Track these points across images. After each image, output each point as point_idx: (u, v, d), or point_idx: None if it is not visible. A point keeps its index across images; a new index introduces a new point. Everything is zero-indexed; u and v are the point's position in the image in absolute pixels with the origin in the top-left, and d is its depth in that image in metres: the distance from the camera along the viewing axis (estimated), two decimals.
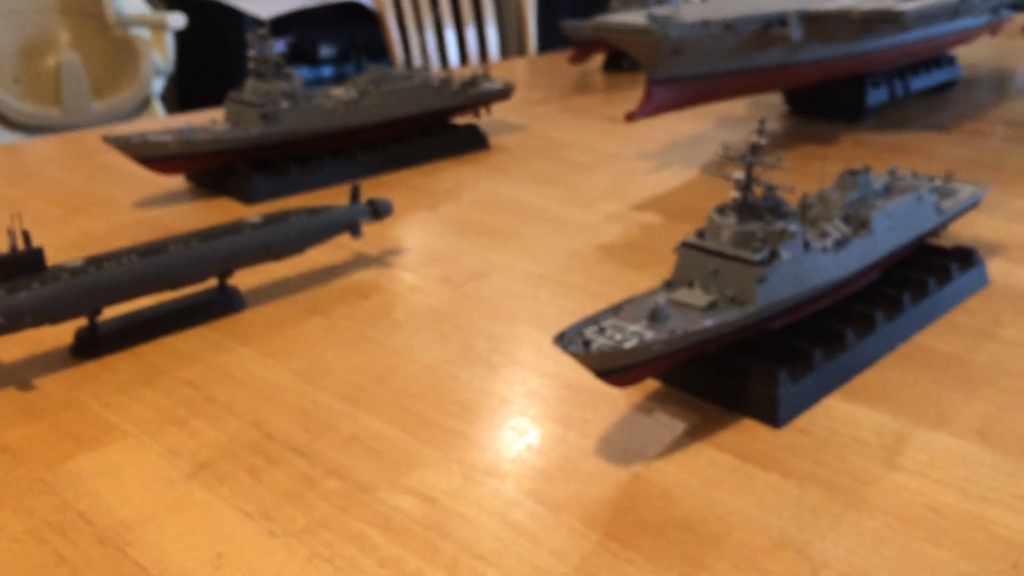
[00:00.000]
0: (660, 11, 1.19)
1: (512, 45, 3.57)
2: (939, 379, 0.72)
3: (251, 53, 1.13)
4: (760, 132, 0.69)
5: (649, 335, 0.62)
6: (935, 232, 0.88)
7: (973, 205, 0.93)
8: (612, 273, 0.93)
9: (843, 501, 0.58)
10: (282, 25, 3.33)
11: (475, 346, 0.78)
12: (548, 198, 1.15)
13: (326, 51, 3.54)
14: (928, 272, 0.85)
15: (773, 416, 0.66)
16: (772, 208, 0.70)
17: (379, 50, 3.40)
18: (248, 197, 1.10)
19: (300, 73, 3.54)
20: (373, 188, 1.18)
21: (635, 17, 1.16)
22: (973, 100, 1.68)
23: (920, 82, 1.62)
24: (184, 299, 0.81)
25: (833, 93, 1.49)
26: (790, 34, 1.25)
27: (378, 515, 0.56)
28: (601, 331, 0.63)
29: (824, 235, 0.75)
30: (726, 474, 0.60)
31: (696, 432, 0.65)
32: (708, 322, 0.64)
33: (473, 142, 1.34)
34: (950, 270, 0.86)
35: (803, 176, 1.21)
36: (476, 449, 0.63)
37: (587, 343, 0.60)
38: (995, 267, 0.92)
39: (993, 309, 0.84)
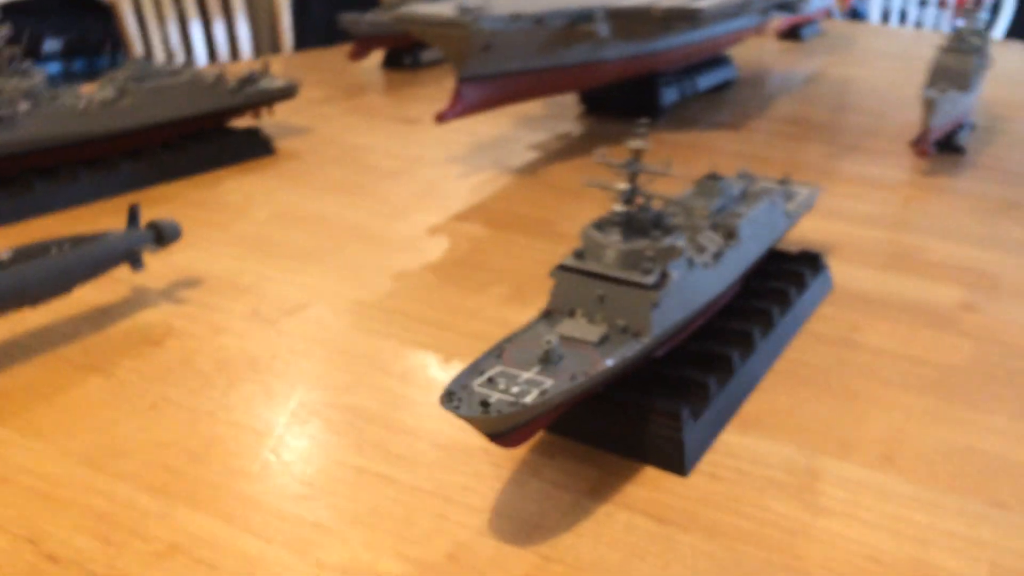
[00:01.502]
0: (470, 2, 1.08)
1: (265, 41, 3.34)
2: (824, 399, 0.68)
3: None
4: (643, 136, 0.61)
5: (548, 384, 0.52)
6: (784, 235, 0.85)
7: (811, 206, 0.90)
8: (452, 297, 0.81)
9: (781, 562, 0.50)
10: None
11: (310, 401, 0.63)
12: (358, 210, 1.02)
13: (51, 45, 3.13)
14: (785, 280, 0.80)
15: (680, 462, 0.58)
16: (655, 222, 0.62)
17: (114, 45, 3.05)
18: None
19: None
20: (143, 203, 0.97)
21: (443, 8, 1.05)
22: (747, 99, 1.73)
23: (705, 81, 1.64)
24: None
25: (629, 94, 1.46)
26: (597, 29, 1.19)
27: None
28: (491, 383, 0.51)
29: (701, 248, 0.68)
30: (647, 542, 0.51)
31: (599, 491, 0.55)
32: (608, 361, 0.55)
33: (255, 147, 1.18)
34: (803, 276, 0.82)
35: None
36: (339, 545, 0.50)
37: (484, 402, 0.49)
38: (832, 268, 0.90)
39: (846, 315, 0.82)
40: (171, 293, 0.78)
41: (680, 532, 0.52)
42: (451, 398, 0.49)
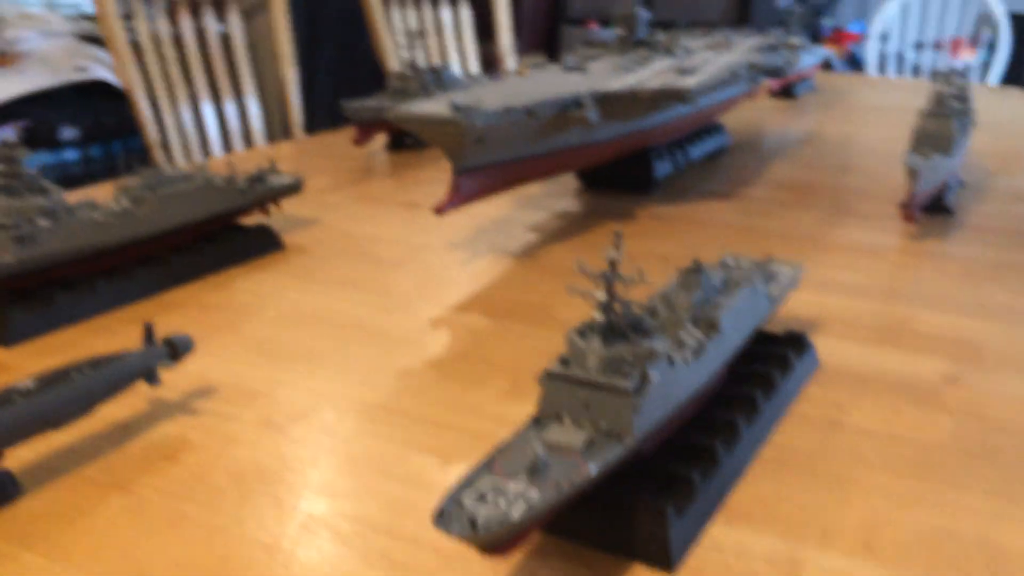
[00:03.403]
0: (461, 98, 1.14)
1: (276, 122, 3.44)
2: (808, 485, 0.71)
3: None
4: (616, 245, 0.65)
5: (534, 495, 0.55)
6: (768, 318, 0.88)
7: (794, 286, 0.94)
8: (454, 394, 0.85)
9: None
10: (13, 109, 3.01)
11: (317, 512, 0.67)
12: (362, 305, 1.06)
13: (68, 133, 3.23)
14: (770, 364, 0.84)
15: (666, 559, 0.61)
16: (635, 325, 0.66)
17: (129, 129, 3.15)
18: (6, 338, 0.93)
19: (40, 159, 3.23)
20: (158, 310, 1.04)
21: (436, 106, 1.11)
22: (741, 165, 1.77)
23: (697, 151, 1.69)
24: None
25: (623, 169, 1.51)
26: (587, 116, 1.24)
27: None
28: (481, 498, 0.55)
29: (681, 344, 0.71)
30: None
31: None
32: (592, 467, 0.58)
33: (266, 244, 1.23)
34: (788, 358, 0.85)
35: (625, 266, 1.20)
36: None
37: (472, 521, 0.52)
38: (819, 345, 0.94)
39: (832, 395, 0.85)
40: (186, 404, 0.82)
41: None
42: (443, 517, 0.53)
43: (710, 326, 0.75)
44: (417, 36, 1.87)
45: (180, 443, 0.76)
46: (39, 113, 3.22)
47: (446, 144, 1.11)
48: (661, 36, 1.81)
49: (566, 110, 1.24)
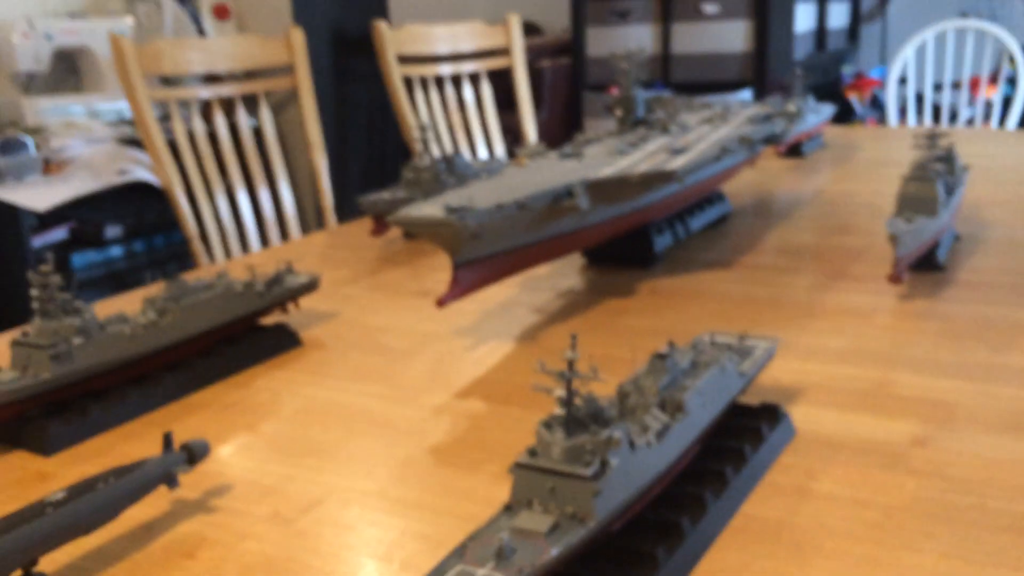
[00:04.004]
0: (455, 199, 1.22)
1: (310, 209, 3.58)
2: (774, 553, 0.76)
3: (33, 292, 1.06)
4: (572, 347, 0.72)
5: None
6: (740, 393, 0.94)
7: (768, 360, 0.99)
8: (448, 479, 0.92)
9: None
10: (62, 212, 3.19)
11: None
12: (371, 396, 1.14)
13: (112, 232, 3.41)
14: (742, 438, 0.89)
15: None
16: (595, 416, 0.72)
17: (169, 224, 3.31)
18: (46, 449, 1.02)
19: (88, 257, 3.40)
20: (182, 412, 1.12)
21: (432, 209, 1.19)
22: (744, 230, 1.83)
23: (697, 222, 1.75)
24: None
25: (624, 244, 1.58)
26: (579, 204, 1.32)
27: None
28: None
29: (645, 428, 0.77)
30: None
31: None
32: (554, 551, 0.64)
33: (284, 342, 1.32)
34: (761, 431, 0.91)
35: (613, 342, 1.26)
36: None
37: None
38: (797, 413, 0.99)
39: (804, 463, 0.90)
40: (203, 502, 0.90)
41: None
42: None
43: (676, 408, 0.81)
44: (429, 128, 1.97)
45: (197, 540, 0.83)
46: (85, 214, 3.40)
47: (443, 243, 1.20)
48: (660, 114, 1.90)
49: (558, 200, 1.32)
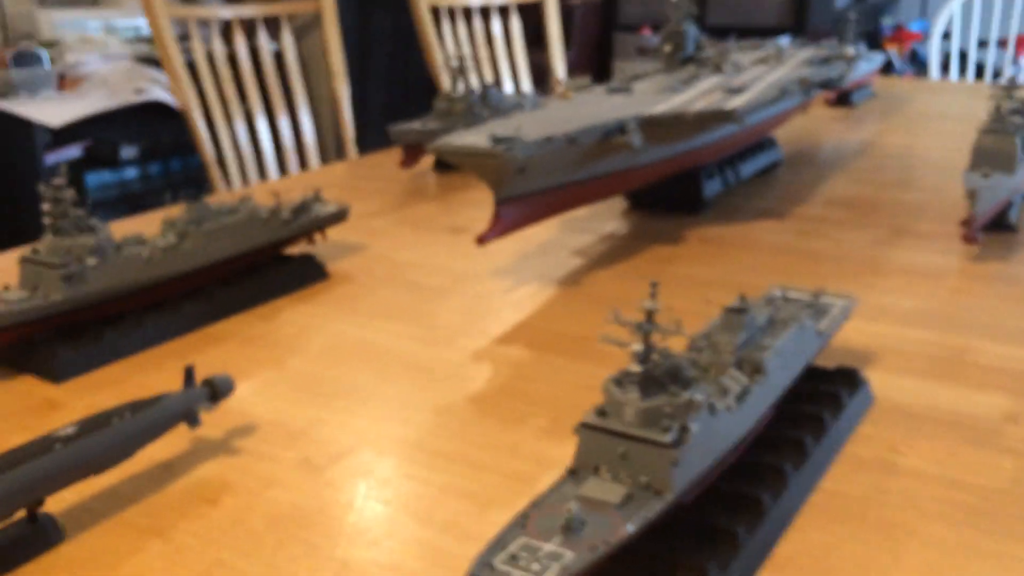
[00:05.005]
0: (501, 129, 1.13)
1: (329, 138, 3.47)
2: (860, 535, 0.68)
3: (45, 207, 0.98)
4: (652, 295, 0.63)
5: (569, 556, 0.54)
6: (817, 355, 0.85)
7: (844, 320, 0.91)
8: (492, 432, 0.84)
9: None
10: (77, 129, 3.09)
11: (352, 560, 0.66)
12: (404, 337, 1.06)
13: (127, 152, 3.31)
14: (820, 403, 0.81)
15: None
16: (673, 375, 0.64)
17: (186, 147, 3.21)
18: (55, 375, 0.94)
19: (102, 178, 3.31)
20: (203, 343, 1.05)
21: (476, 138, 1.10)
22: (795, 180, 1.73)
23: (748, 168, 1.65)
24: None
25: (671, 188, 1.49)
26: (631, 141, 1.22)
27: None
28: (513, 559, 0.54)
29: (724, 390, 0.69)
30: None
31: None
32: (630, 527, 0.56)
33: (310, 273, 1.23)
34: (840, 397, 0.83)
35: (665, 292, 1.17)
36: None
37: None
38: (872, 379, 0.90)
39: (886, 434, 0.82)
40: (227, 443, 0.82)
41: None
42: None
43: (755, 369, 0.73)
44: (463, 57, 1.86)
45: (220, 485, 0.76)
46: (101, 133, 3.30)
47: (487, 175, 1.11)
48: (710, 52, 1.78)
49: (609, 136, 1.22)
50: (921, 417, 0.84)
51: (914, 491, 0.73)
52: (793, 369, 0.78)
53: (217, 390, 0.81)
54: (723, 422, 0.66)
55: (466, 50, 2.73)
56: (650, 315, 0.62)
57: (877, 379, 0.90)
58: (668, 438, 0.60)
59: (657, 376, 0.63)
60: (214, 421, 0.84)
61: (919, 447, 0.79)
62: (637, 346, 0.62)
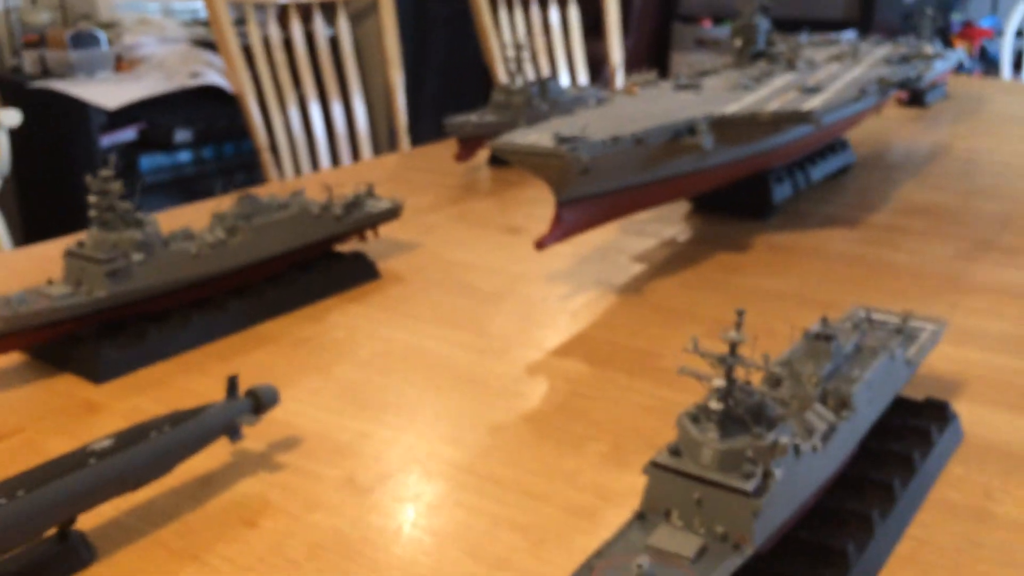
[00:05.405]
0: (566, 127, 1.07)
1: (382, 125, 3.44)
2: None
3: (91, 199, 0.94)
4: (738, 327, 0.57)
5: None
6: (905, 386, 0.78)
7: (933, 347, 0.84)
8: (548, 457, 0.79)
9: None
10: (132, 112, 3.09)
11: None
12: (457, 345, 1.01)
13: (181, 136, 3.31)
14: (908, 441, 0.74)
15: None
16: (756, 413, 0.58)
17: (239, 132, 3.20)
18: (96, 375, 0.91)
19: (155, 161, 3.31)
20: (249, 345, 1.01)
21: (540, 137, 1.04)
22: (867, 185, 1.65)
23: (819, 171, 1.57)
24: (7, 562, 0.62)
25: (738, 192, 1.42)
26: (702, 142, 1.16)
27: None
28: None
29: (809, 429, 0.63)
30: None
31: None
32: None
33: (361, 273, 1.19)
34: (930, 433, 0.76)
35: (731, 303, 1.11)
36: None
37: None
38: (961, 412, 0.83)
39: (979, 477, 0.75)
40: (269, 457, 0.78)
41: None
42: None
43: (842, 404, 0.66)
44: (522, 48, 1.81)
45: (260, 504, 0.72)
46: (155, 116, 3.30)
47: (550, 176, 1.05)
48: (782, 47, 1.70)
49: (678, 137, 1.15)
50: (1017, 458, 0.77)
51: (1011, 544, 0.66)
52: (881, 403, 0.72)
53: (261, 402, 0.77)
54: (807, 464, 0.59)
55: (522, 39, 2.67)
56: (734, 347, 0.57)
57: (965, 412, 0.83)
58: (750, 486, 0.54)
59: (739, 414, 0.57)
60: (256, 432, 0.80)
61: (1016, 494, 0.72)
62: (719, 381, 0.56)
